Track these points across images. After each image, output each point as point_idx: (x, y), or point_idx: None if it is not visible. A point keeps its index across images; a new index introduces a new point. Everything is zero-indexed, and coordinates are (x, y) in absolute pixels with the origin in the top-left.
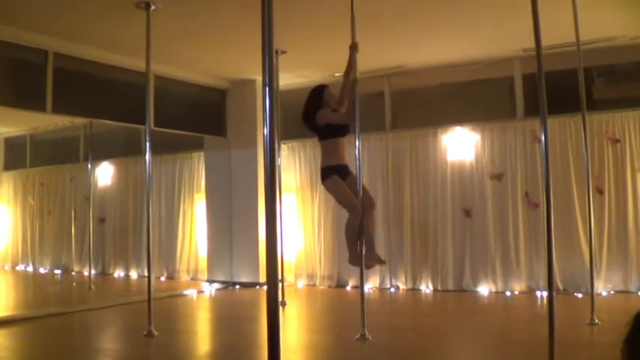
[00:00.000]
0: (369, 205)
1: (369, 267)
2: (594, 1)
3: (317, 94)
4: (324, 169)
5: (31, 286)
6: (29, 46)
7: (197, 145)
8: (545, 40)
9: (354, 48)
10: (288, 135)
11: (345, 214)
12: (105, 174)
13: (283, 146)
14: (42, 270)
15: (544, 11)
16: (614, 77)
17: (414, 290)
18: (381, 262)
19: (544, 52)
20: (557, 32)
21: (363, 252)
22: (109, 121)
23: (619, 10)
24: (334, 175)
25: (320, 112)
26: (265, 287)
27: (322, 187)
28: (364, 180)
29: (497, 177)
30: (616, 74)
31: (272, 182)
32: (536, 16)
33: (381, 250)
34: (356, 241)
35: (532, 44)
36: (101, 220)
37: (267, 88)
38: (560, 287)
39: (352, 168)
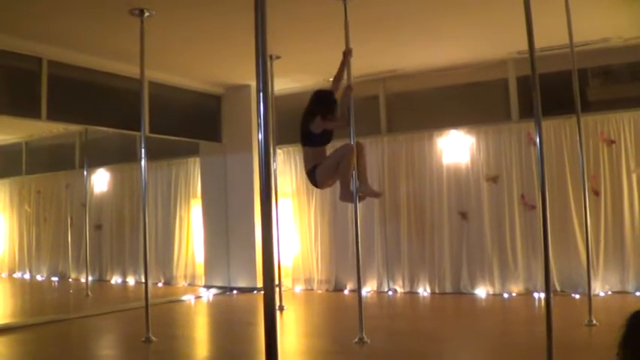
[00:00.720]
0: (359, 147)
1: (361, 199)
2: (588, 3)
3: (322, 99)
4: (312, 169)
5: (28, 293)
6: (24, 54)
7: (193, 151)
8: (539, 42)
9: (347, 54)
10: (284, 140)
11: (341, 219)
12: (101, 181)
13: (279, 151)
14: (39, 277)
15: (537, 13)
16: (608, 78)
17: (412, 293)
18: (376, 194)
19: (538, 54)
20: (550, 34)
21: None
22: (104, 128)
23: (613, 11)
24: (316, 167)
25: (317, 119)
26: (263, 292)
27: (318, 191)
28: None
29: (493, 179)
30: (610, 75)
31: (268, 187)
32: (529, 18)
33: (378, 253)
34: (349, 177)
35: (526, 46)
36: (98, 227)
37: (261, 94)
38: (558, 288)
39: None
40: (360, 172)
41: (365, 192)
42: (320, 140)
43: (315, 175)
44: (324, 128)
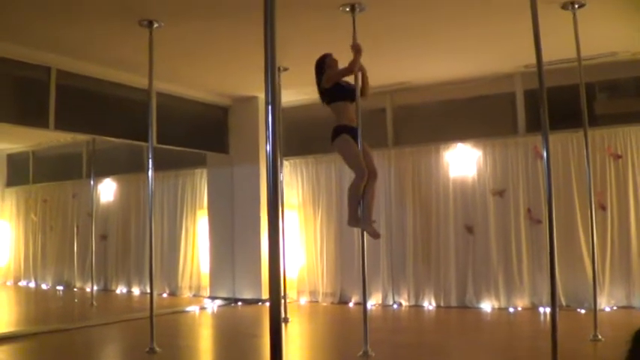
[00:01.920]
0: (372, 174)
1: (351, 225)
2: (596, 17)
3: (319, 64)
4: (336, 128)
5: (33, 302)
6: (32, 63)
7: (199, 162)
8: (547, 56)
9: (356, 49)
10: (291, 151)
11: (346, 231)
12: (107, 190)
13: (285, 163)
14: (44, 286)
15: (545, 27)
16: (615, 93)
17: (417, 307)
18: (375, 234)
19: (545, 67)
20: (558, 48)
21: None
22: (111, 138)
23: (621, 25)
24: (345, 134)
25: (324, 76)
26: (268, 304)
27: (325, 203)
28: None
29: (500, 193)
30: (618, 90)
31: (275, 199)
32: (537, 32)
33: (383, 266)
34: (357, 203)
35: (533, 60)
36: (103, 237)
37: (269, 107)
38: (563, 303)
39: None
40: (365, 207)
41: (365, 228)
42: (336, 94)
43: (334, 140)
44: (331, 79)
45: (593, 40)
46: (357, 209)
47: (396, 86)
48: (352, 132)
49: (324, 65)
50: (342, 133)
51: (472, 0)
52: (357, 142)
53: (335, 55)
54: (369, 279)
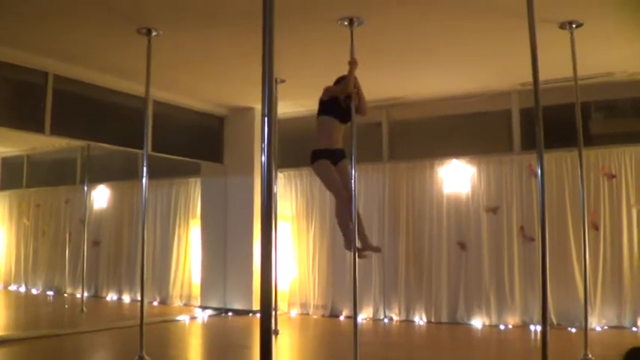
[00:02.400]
0: (347, 195)
1: (362, 257)
2: (593, 37)
3: (337, 81)
4: (314, 152)
5: (23, 306)
6: (30, 68)
7: (194, 171)
8: (543, 75)
9: (352, 64)
10: (285, 163)
11: (339, 244)
12: (101, 197)
13: (280, 174)
14: (34, 291)
15: (542, 46)
16: (611, 112)
17: (408, 322)
18: (375, 249)
19: (542, 86)
20: (555, 67)
21: (356, 238)
22: (106, 145)
23: (618, 46)
24: (322, 159)
25: (324, 88)
26: (258, 315)
27: (318, 216)
28: (360, 209)
29: (493, 210)
30: (613, 110)
31: (268, 210)
32: (535, 51)
33: (375, 280)
34: (347, 226)
35: (530, 78)
36: (95, 243)
37: (266, 119)
38: (554, 322)
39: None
40: (359, 227)
41: (364, 248)
42: (328, 108)
43: (312, 164)
44: (327, 94)
45: (590, 59)
46: (349, 232)
47: (392, 101)
48: (331, 156)
49: (340, 82)
50: (319, 158)
51: (470, 16)
52: (336, 164)
53: (332, 69)
54: (360, 293)
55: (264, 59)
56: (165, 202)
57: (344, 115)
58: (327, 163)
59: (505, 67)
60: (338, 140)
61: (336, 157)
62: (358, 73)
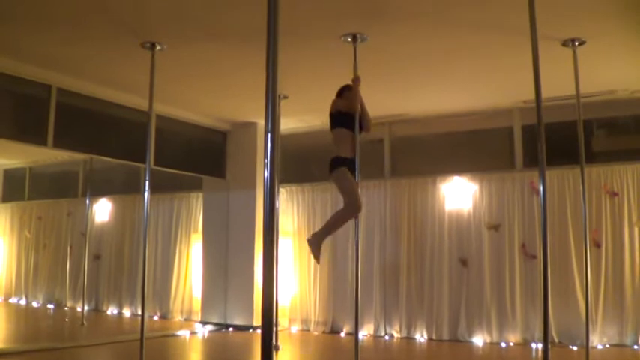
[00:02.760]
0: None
1: (310, 242)
2: (596, 55)
3: (340, 91)
4: (335, 159)
5: (23, 319)
6: (33, 80)
7: (196, 186)
8: (546, 92)
9: (356, 81)
10: (287, 179)
11: (340, 260)
12: (102, 210)
13: (282, 190)
14: (35, 304)
15: (545, 63)
16: (613, 130)
17: (409, 339)
18: (315, 255)
19: (544, 103)
20: (557, 84)
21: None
22: (109, 159)
23: (620, 63)
24: (344, 167)
25: (332, 101)
26: (259, 330)
27: None
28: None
29: (495, 227)
30: (616, 127)
31: (270, 225)
32: (537, 68)
33: (376, 296)
34: (332, 230)
35: (532, 96)
36: (96, 257)
37: (269, 135)
38: (556, 339)
39: None
40: (329, 228)
41: (313, 244)
42: (338, 121)
43: (332, 172)
44: (335, 107)
45: (593, 77)
46: (327, 233)
47: (394, 117)
48: (351, 165)
49: (343, 92)
50: (341, 165)
51: (473, 34)
52: (354, 175)
53: (334, 85)
54: (361, 309)
55: (267, 76)
56: (166, 217)
57: (346, 123)
58: (348, 171)
59: (507, 85)
60: (354, 150)
61: (353, 167)
62: (361, 90)
